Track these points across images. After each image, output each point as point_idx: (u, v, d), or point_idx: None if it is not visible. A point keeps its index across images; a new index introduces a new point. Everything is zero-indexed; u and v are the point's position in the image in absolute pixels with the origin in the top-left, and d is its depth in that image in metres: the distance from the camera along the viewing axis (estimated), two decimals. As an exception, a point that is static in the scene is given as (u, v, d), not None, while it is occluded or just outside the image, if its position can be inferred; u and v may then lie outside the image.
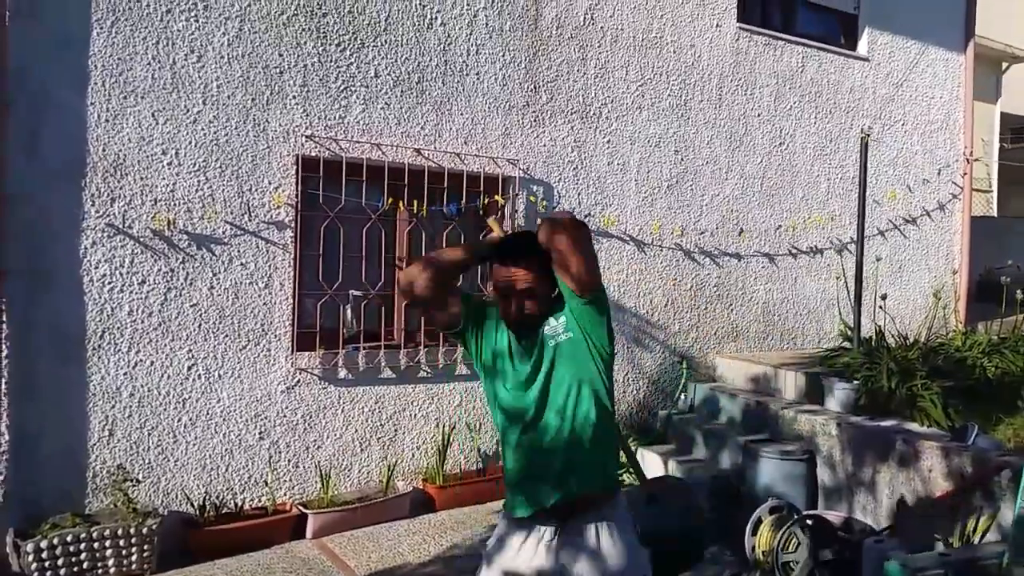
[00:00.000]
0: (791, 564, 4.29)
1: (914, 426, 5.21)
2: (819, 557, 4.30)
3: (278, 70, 5.04)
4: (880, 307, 6.56)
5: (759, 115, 7.34)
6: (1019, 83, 16.51)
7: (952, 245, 8.81)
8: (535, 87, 6.05)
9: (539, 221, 2.51)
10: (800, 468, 5.20)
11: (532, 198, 6.02)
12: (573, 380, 2.39)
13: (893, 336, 6.35)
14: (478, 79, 5.79)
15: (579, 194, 6.29)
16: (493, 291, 2.46)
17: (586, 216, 6.27)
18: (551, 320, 2.42)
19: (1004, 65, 15.67)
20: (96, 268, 4.54)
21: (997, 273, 8.15)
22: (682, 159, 6.85)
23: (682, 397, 6.68)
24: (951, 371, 5.56)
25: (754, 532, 4.66)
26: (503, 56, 5.90)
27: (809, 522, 4.50)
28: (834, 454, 5.24)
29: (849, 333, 6.55)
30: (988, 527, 4.23)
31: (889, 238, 8.24)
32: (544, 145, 6.11)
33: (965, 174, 8.85)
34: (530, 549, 2.40)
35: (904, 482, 4.82)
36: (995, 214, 16.02)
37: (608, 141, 6.43)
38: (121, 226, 4.60)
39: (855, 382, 5.64)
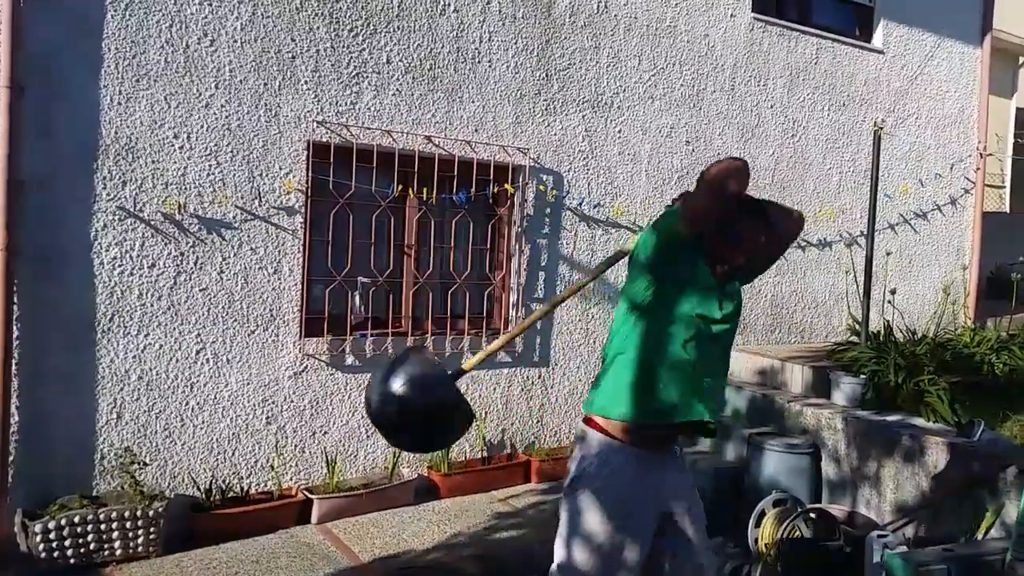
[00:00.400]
0: (793, 557, 4.29)
1: (920, 421, 5.20)
2: (822, 551, 4.31)
3: (290, 55, 5.03)
4: (889, 302, 6.54)
5: (772, 106, 7.30)
6: (1035, 78, 16.35)
7: (963, 240, 8.77)
8: (547, 75, 6.03)
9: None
10: (805, 462, 5.20)
11: (542, 187, 6.01)
12: (731, 328, 2.77)
13: (901, 331, 6.33)
14: (490, 67, 5.77)
15: (589, 184, 6.27)
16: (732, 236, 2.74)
17: (596, 206, 6.26)
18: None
19: (1021, 60, 15.51)
20: (107, 251, 4.56)
21: (1008, 269, 8.10)
22: (693, 150, 6.82)
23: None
24: (959, 367, 5.55)
25: (757, 524, 4.66)
26: (515, 44, 5.87)
27: (812, 515, 4.51)
28: (839, 448, 5.24)
29: (857, 328, 6.53)
30: (992, 523, 4.22)
31: (900, 232, 8.20)
32: (555, 134, 6.09)
33: (978, 169, 8.79)
34: (651, 470, 2.66)
35: (909, 477, 4.81)
36: (1008, 210, 15.92)
37: (619, 131, 6.41)
38: (132, 209, 4.61)
39: (862, 377, 5.63)
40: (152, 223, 4.67)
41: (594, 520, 2.58)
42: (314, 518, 4.98)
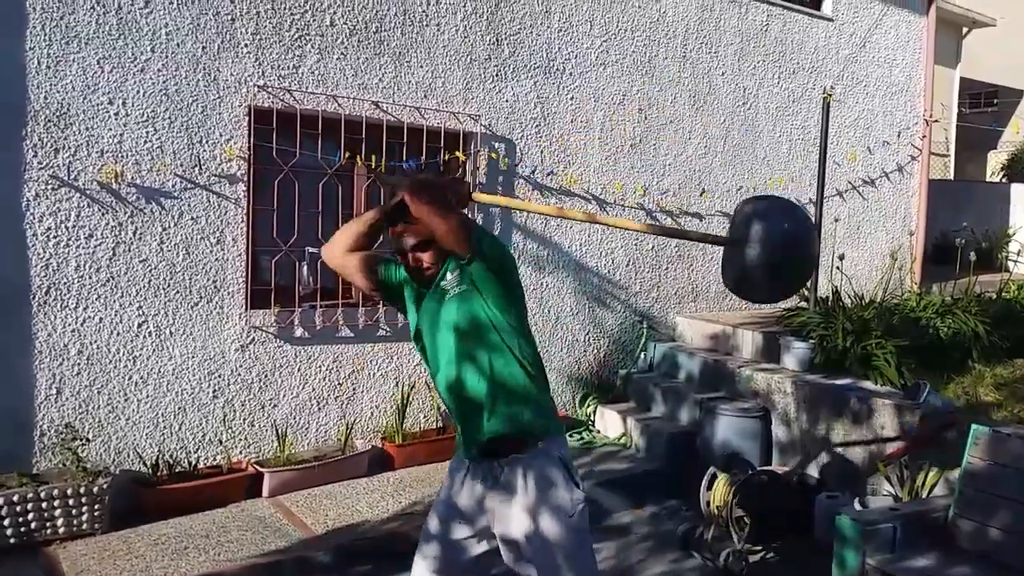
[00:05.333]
0: (744, 519, 4.35)
1: (868, 384, 5.30)
2: (773, 511, 4.37)
3: (229, 17, 4.85)
4: (837, 268, 6.62)
5: (723, 74, 7.29)
6: (979, 49, 16.70)
7: (910, 207, 8.92)
8: (497, 40, 5.93)
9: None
10: (755, 425, 5.27)
11: (494, 155, 5.93)
12: (466, 333, 2.46)
13: (849, 296, 6.43)
14: (438, 30, 5.65)
15: (542, 151, 6.21)
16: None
17: (549, 174, 6.21)
18: (447, 274, 2.50)
19: (964, 30, 15.81)
20: (40, 221, 4.38)
21: (953, 236, 8.27)
22: (646, 117, 6.79)
23: (642, 356, 6.72)
24: (905, 331, 5.65)
25: (709, 487, 4.71)
26: (464, 7, 5.75)
27: (763, 477, 4.57)
28: (789, 411, 5.32)
29: (806, 293, 6.61)
30: (936, 481, 4.33)
31: (848, 199, 8.30)
32: (506, 100, 6.00)
33: (924, 137, 8.93)
34: (466, 485, 2.56)
35: (857, 438, 4.90)
36: (952, 177, 16.28)
37: (572, 98, 6.35)
38: (66, 178, 4.43)
39: (811, 341, 5.71)
40: (88, 192, 4.50)
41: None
42: (265, 491, 4.90)
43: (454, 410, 2.57)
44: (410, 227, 2.48)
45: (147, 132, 4.64)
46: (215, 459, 4.98)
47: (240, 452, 5.07)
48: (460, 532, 2.56)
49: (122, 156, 4.58)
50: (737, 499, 4.33)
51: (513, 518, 2.45)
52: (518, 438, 2.47)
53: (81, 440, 4.42)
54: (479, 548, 2.56)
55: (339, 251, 2.61)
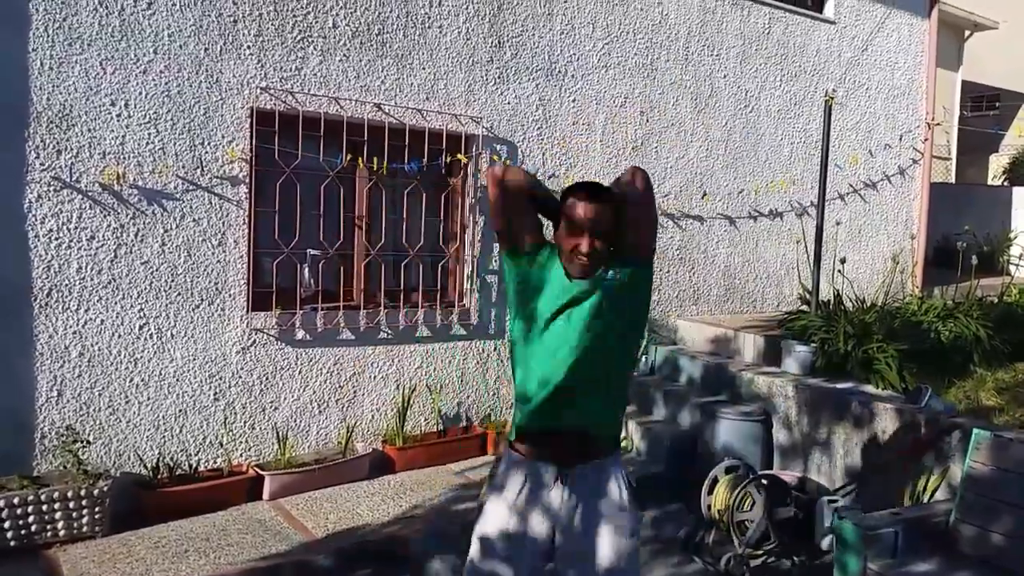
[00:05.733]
0: (746, 523, 4.35)
1: (869, 388, 5.29)
2: (774, 516, 4.37)
3: (232, 19, 4.85)
4: (839, 271, 6.62)
5: (725, 76, 7.29)
6: (980, 52, 16.69)
7: (911, 211, 8.91)
8: (499, 42, 5.92)
9: (625, 171, 2.55)
10: (757, 428, 5.27)
11: (495, 157, 5.93)
12: (611, 329, 2.43)
13: (851, 300, 6.42)
14: (441, 32, 5.64)
15: (543, 154, 6.21)
16: (564, 226, 2.43)
17: (550, 177, 6.20)
18: (609, 270, 2.43)
19: (967, 33, 15.81)
20: (42, 223, 4.38)
21: (954, 239, 8.27)
22: (647, 120, 6.79)
23: (643, 359, 6.71)
24: (906, 335, 5.64)
25: (710, 491, 4.71)
26: (467, 9, 5.75)
27: (764, 481, 4.56)
28: (791, 415, 5.31)
29: (808, 296, 6.61)
30: (938, 486, 4.32)
31: (849, 202, 8.30)
32: (508, 103, 6.00)
33: (926, 140, 8.92)
34: (534, 488, 2.46)
35: (858, 443, 4.90)
36: (953, 181, 16.28)
37: (574, 100, 6.34)
38: (68, 180, 4.43)
39: (812, 345, 5.70)
40: (90, 194, 4.49)
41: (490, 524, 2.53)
42: (266, 494, 4.89)
43: (549, 393, 2.43)
44: (603, 207, 2.39)
45: (149, 134, 4.63)
46: (216, 462, 4.97)
47: (241, 455, 5.06)
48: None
49: (124, 158, 4.57)
50: (738, 503, 4.32)
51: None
52: (609, 441, 2.57)
53: (82, 442, 4.41)
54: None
55: (523, 187, 2.50)
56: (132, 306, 4.66)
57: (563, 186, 6.21)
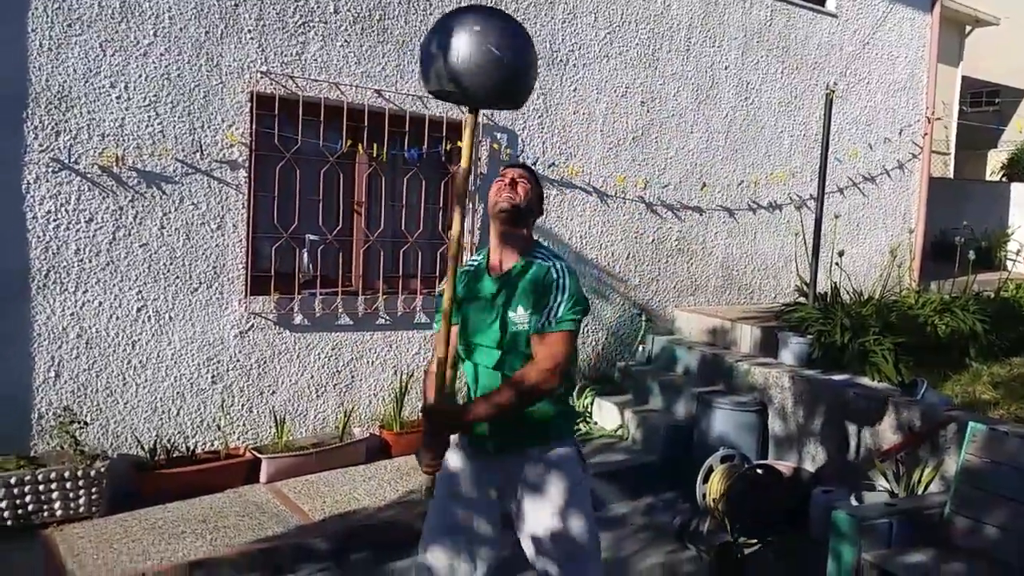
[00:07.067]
0: (741, 512, 4.36)
1: (865, 380, 5.31)
2: (768, 505, 4.39)
3: (233, 2, 4.83)
4: (836, 264, 6.63)
5: (726, 68, 7.28)
6: (981, 47, 16.68)
7: (910, 205, 8.92)
8: (501, 30, 5.89)
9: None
10: (752, 419, 5.29)
11: (496, 145, 5.92)
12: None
13: (848, 292, 6.44)
14: (442, 20, 5.61)
15: (543, 143, 6.20)
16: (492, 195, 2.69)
17: (550, 166, 6.19)
18: (520, 310, 2.57)
19: (968, 28, 15.79)
20: (40, 204, 4.37)
21: (952, 234, 8.28)
22: (648, 111, 6.78)
23: (640, 348, 6.73)
24: (903, 328, 5.66)
25: (705, 480, 4.73)
26: (468, -3, 5.73)
27: (759, 471, 4.58)
28: (786, 406, 5.33)
29: (805, 289, 6.62)
30: (933, 478, 4.34)
31: (848, 196, 8.30)
32: (508, 91, 5.97)
33: (926, 134, 8.92)
34: (474, 467, 2.64)
35: (853, 434, 4.92)
36: (952, 176, 16.29)
37: (575, 89, 6.33)
38: (67, 161, 4.41)
39: (809, 336, 5.72)
40: (89, 176, 4.48)
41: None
42: (263, 477, 4.90)
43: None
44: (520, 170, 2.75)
45: (148, 116, 4.62)
46: (213, 444, 4.98)
47: (238, 438, 5.07)
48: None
49: (123, 140, 4.56)
50: (733, 492, 4.34)
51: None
52: (534, 438, 2.65)
53: (79, 423, 4.42)
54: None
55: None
56: (130, 288, 4.65)
57: (564, 176, 6.26)
